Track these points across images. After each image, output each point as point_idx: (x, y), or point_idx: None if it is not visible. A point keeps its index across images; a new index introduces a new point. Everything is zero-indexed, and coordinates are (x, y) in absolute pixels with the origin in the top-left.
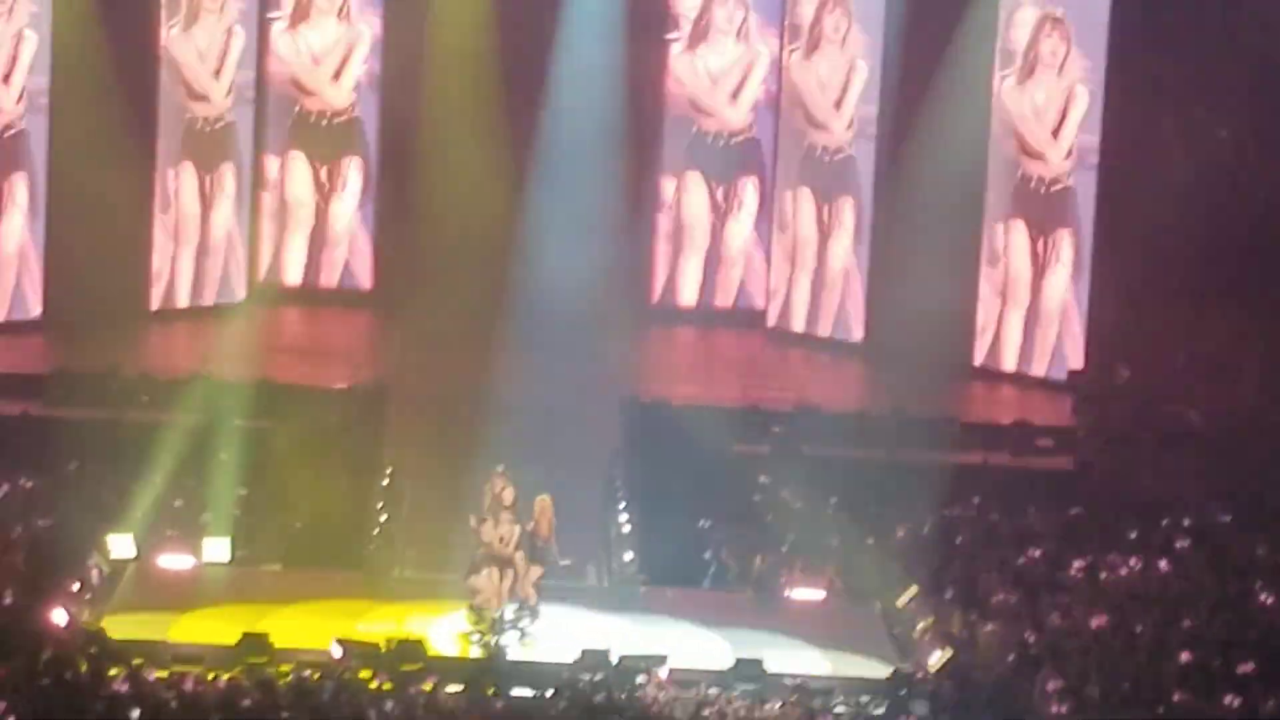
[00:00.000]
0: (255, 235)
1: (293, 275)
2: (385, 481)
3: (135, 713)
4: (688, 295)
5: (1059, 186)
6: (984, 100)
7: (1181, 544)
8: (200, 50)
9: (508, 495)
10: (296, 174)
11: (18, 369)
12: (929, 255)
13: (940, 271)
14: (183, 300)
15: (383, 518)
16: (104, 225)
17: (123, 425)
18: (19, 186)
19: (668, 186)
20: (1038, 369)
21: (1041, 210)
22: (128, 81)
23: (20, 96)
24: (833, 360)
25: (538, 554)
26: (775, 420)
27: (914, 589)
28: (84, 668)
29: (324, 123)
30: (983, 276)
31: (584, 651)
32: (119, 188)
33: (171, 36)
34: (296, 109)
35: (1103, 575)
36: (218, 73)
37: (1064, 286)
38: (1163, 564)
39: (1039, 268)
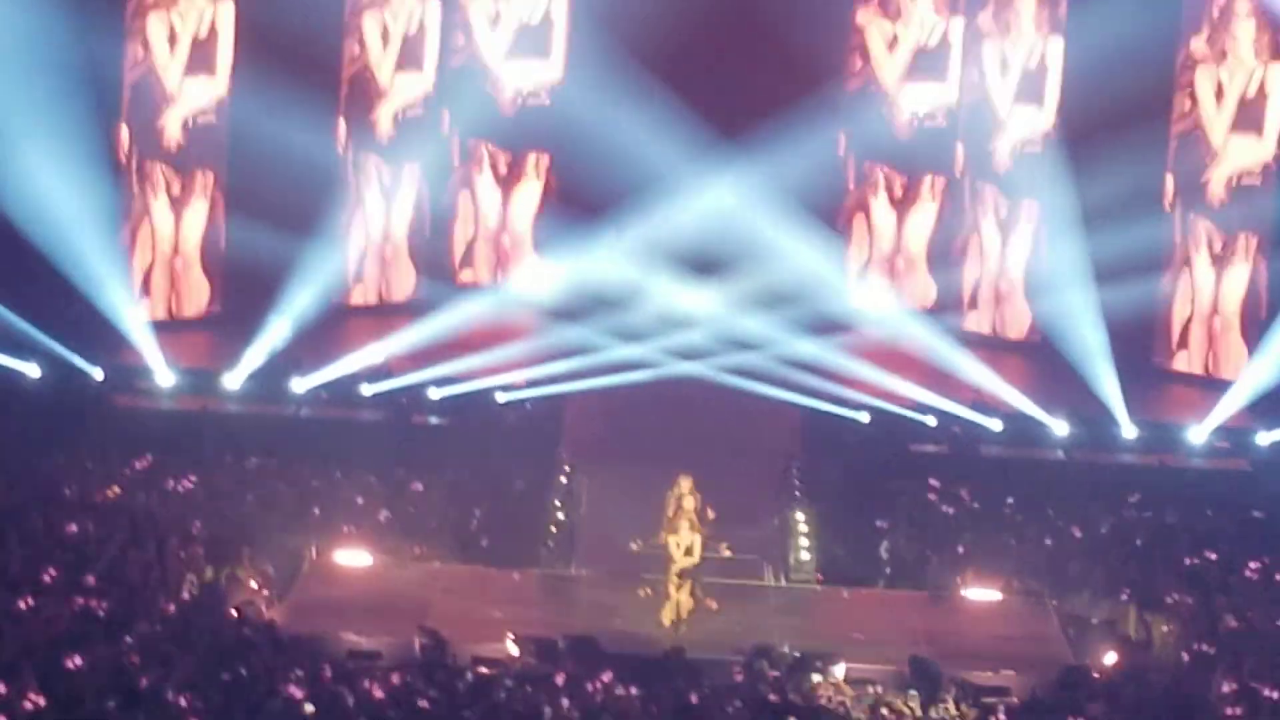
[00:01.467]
0: (437, 232)
1: (469, 273)
2: (563, 480)
3: (310, 709)
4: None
5: (1249, 182)
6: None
7: None
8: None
9: (689, 503)
10: (483, 169)
11: (199, 364)
12: (1109, 253)
13: (1120, 270)
14: (366, 297)
15: (560, 516)
16: (283, 219)
17: (302, 421)
18: (205, 179)
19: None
20: (1216, 369)
21: (1226, 208)
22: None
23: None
24: (1011, 360)
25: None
26: (952, 420)
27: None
28: (261, 664)
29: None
30: (1165, 275)
31: (759, 650)
32: (299, 180)
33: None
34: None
35: (1278, 577)
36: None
37: (1244, 285)
38: None
39: (1220, 267)
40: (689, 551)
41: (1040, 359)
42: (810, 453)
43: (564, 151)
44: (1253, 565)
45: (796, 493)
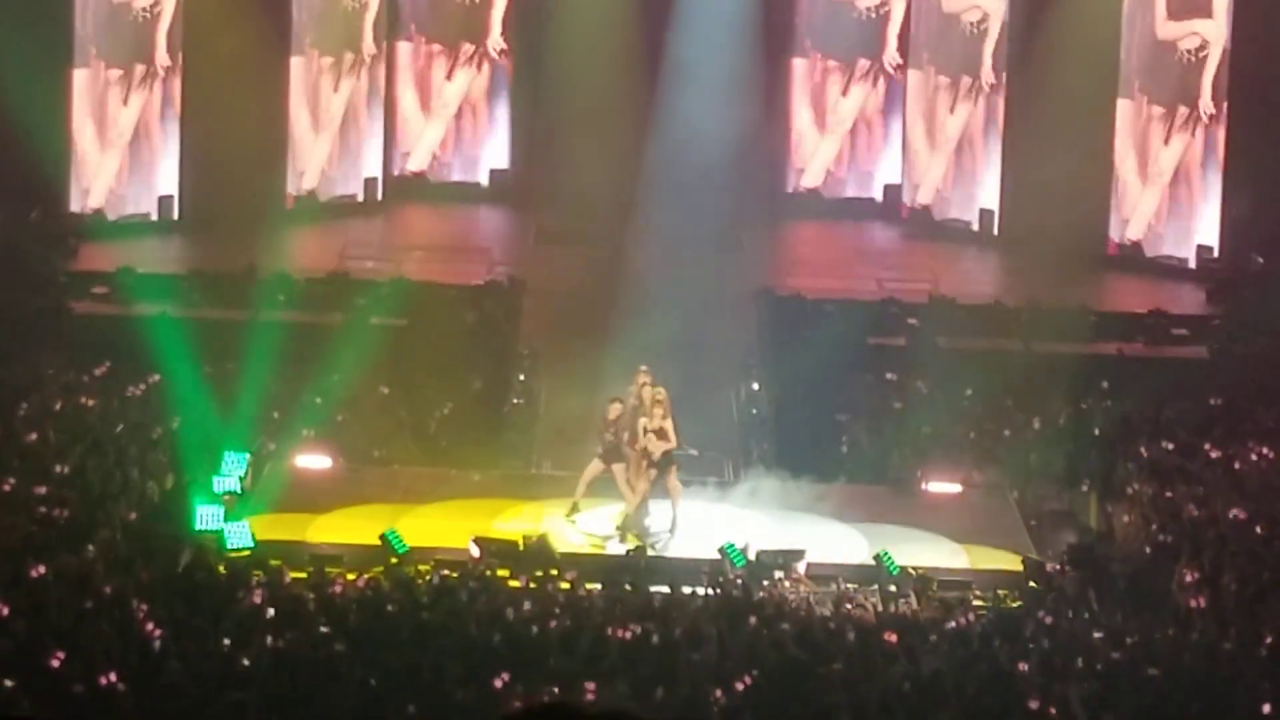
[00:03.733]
0: (391, 128)
1: (429, 169)
2: (521, 378)
3: (270, 612)
4: (823, 185)
5: (1202, 55)
6: None
7: None
8: None
9: (648, 394)
10: (432, 61)
11: (156, 269)
12: (1063, 138)
13: (1074, 155)
14: (320, 197)
15: (519, 415)
16: (240, 118)
17: (259, 325)
18: (156, 74)
19: (801, 70)
20: (1172, 256)
21: (1178, 86)
22: None
23: None
24: (968, 250)
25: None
26: (910, 312)
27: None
28: (222, 569)
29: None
30: (1117, 159)
31: (721, 548)
32: (254, 76)
33: None
34: None
35: (1237, 465)
36: None
37: (1199, 170)
38: None
39: (1174, 150)
40: (661, 434)
41: (999, 247)
42: (768, 346)
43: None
44: (1213, 454)
45: (755, 388)
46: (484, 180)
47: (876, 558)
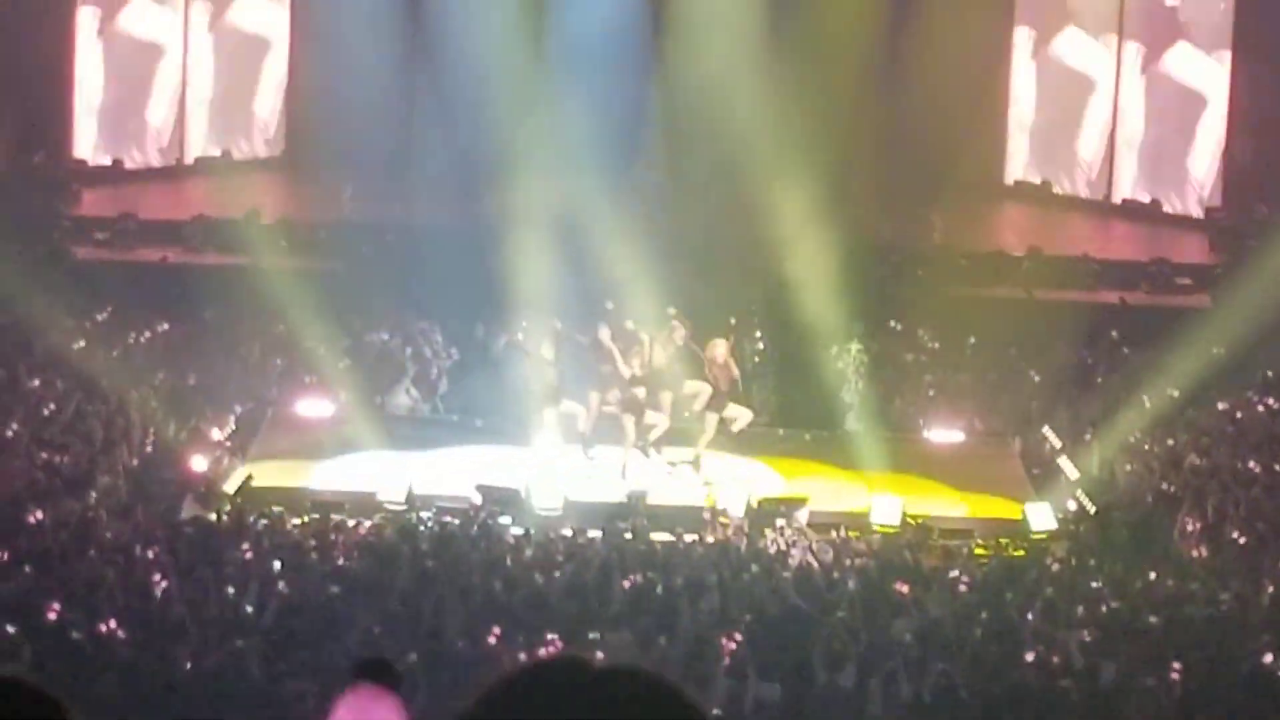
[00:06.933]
0: None
1: None
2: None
3: (276, 565)
4: None
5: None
6: None
7: None
8: None
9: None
10: None
11: (158, 215)
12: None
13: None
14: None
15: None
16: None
17: (261, 271)
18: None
19: None
20: (1176, 205)
21: (1178, 33)
22: None
23: None
24: (971, 199)
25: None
26: (914, 261)
27: None
28: (225, 515)
29: None
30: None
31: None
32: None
33: None
34: None
35: (1240, 415)
36: None
37: (1204, 117)
38: None
39: (1178, 98)
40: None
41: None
42: (770, 297)
43: None
44: (1217, 403)
45: (756, 336)
46: None
47: (876, 504)
